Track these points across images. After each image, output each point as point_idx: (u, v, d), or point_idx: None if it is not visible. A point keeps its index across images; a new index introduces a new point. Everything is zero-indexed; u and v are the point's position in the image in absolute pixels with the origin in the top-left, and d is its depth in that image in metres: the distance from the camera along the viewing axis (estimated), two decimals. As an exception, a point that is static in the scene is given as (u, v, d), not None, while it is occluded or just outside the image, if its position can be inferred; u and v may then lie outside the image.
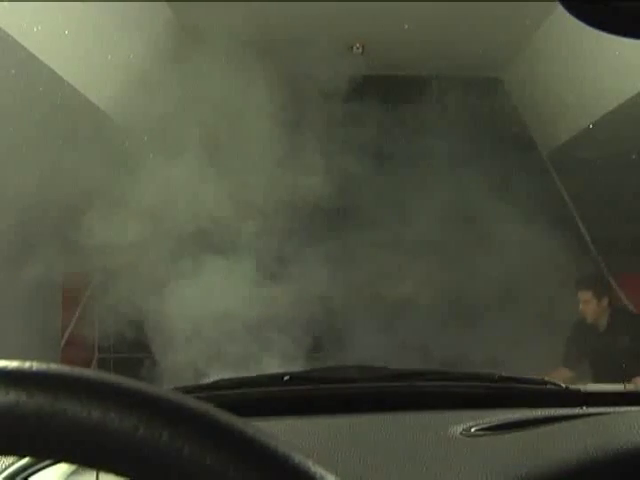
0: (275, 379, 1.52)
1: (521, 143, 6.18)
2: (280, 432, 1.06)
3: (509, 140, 5.95)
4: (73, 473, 0.90)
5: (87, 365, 5.58)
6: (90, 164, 4.27)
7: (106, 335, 5.50)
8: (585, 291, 4.80)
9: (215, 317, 4.58)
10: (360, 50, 5.74)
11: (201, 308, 4.58)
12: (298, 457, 0.43)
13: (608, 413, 1.21)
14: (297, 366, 4.41)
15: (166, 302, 4.62)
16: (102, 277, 4.84)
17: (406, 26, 5.13)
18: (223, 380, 1.47)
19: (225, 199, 4.85)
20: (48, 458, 0.47)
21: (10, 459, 0.86)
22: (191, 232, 4.86)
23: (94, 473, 0.80)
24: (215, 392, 1.42)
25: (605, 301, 4.78)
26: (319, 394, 1.44)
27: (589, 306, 4.77)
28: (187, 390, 1.40)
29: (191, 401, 0.44)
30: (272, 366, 4.47)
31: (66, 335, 5.60)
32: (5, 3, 3.35)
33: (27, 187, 4.23)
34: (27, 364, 0.44)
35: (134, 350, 5.21)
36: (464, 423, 1.11)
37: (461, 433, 1.08)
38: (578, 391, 1.47)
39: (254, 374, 1.68)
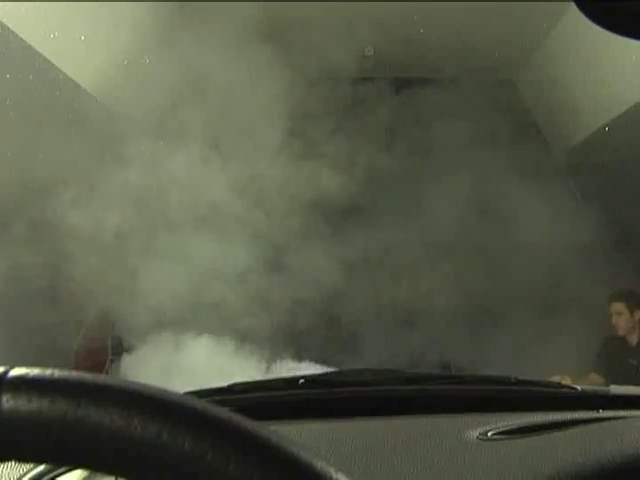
0: (290, 383, 1.52)
1: (534, 145, 6.15)
2: (296, 436, 1.07)
3: (522, 142, 5.92)
4: (89, 478, 0.90)
5: (100, 366, 5.57)
6: (80, 151, 4.20)
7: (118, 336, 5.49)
8: (617, 303, 4.76)
9: (221, 318, 4.56)
10: (372, 53, 5.73)
11: (207, 310, 4.56)
12: (320, 464, 0.43)
13: (625, 417, 1.20)
14: (310, 369, 4.39)
15: (180, 303, 4.59)
16: (114, 278, 4.80)
17: (420, 30, 5.12)
18: (238, 384, 1.47)
19: (225, 189, 4.79)
20: (70, 465, 0.47)
21: (28, 465, 0.86)
22: (193, 226, 4.82)
23: (112, 479, 0.80)
24: (230, 396, 1.42)
25: (638, 314, 4.74)
26: (334, 397, 1.43)
27: (621, 318, 4.73)
28: (203, 394, 1.40)
29: (214, 408, 0.44)
30: (283, 369, 4.45)
31: (79, 337, 5.60)
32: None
33: (12, 172, 4.16)
34: (49, 371, 0.44)
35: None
36: (480, 427, 1.11)
37: (478, 437, 1.07)
38: (594, 394, 1.46)
39: (268, 377, 1.67)
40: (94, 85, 4.53)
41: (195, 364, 4.44)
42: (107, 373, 5.32)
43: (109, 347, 5.89)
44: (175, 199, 4.78)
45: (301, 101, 4.88)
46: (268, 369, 4.41)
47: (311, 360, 4.59)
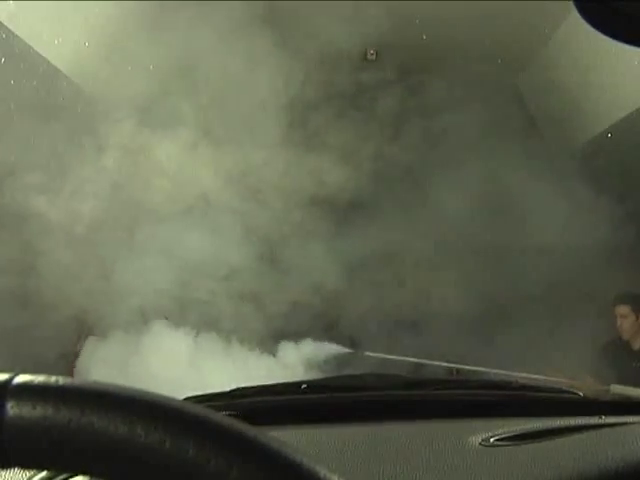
0: (292, 387, 1.52)
1: (539, 146, 6.14)
2: (298, 441, 1.07)
3: (524, 145, 5.92)
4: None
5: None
6: (58, 137, 4.07)
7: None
8: (622, 305, 4.73)
9: (216, 320, 4.51)
10: (374, 56, 5.74)
11: (201, 310, 4.51)
12: (323, 471, 0.43)
13: (627, 423, 1.20)
14: (311, 374, 4.36)
15: (169, 302, 4.51)
16: (93, 275, 4.64)
17: (423, 34, 5.12)
18: (240, 388, 1.47)
19: (215, 180, 4.67)
20: (73, 472, 0.47)
21: (31, 471, 0.86)
22: (181, 219, 4.69)
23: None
24: (232, 401, 1.42)
25: None
26: (336, 402, 1.44)
27: (626, 321, 4.70)
28: (204, 398, 1.40)
29: (217, 415, 0.44)
30: (284, 373, 4.41)
31: (82, 339, 5.55)
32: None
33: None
34: (53, 378, 0.44)
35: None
36: (483, 433, 1.11)
37: (480, 443, 1.07)
38: (596, 399, 1.46)
39: (270, 382, 1.67)
40: (72, 68, 4.40)
41: (188, 367, 4.37)
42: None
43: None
44: (161, 190, 4.62)
45: (300, 90, 4.76)
46: (268, 373, 4.38)
47: (313, 364, 4.57)
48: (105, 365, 4.49)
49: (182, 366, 4.31)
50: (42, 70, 4.16)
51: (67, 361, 5.05)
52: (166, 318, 4.50)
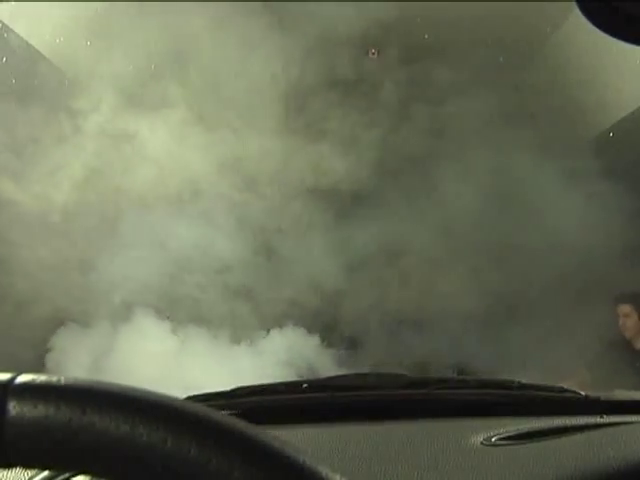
0: (293, 387, 1.52)
1: (540, 146, 6.13)
2: (299, 440, 1.07)
3: (525, 142, 5.90)
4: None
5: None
6: (37, 121, 4.01)
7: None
8: (625, 305, 4.73)
9: (215, 318, 4.47)
10: (376, 55, 5.74)
11: (200, 309, 4.47)
12: (325, 471, 0.43)
13: (629, 422, 1.20)
14: (310, 373, 4.34)
15: (162, 299, 4.45)
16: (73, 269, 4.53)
17: (424, 34, 5.11)
18: (241, 388, 1.46)
19: (206, 169, 4.56)
20: (74, 471, 0.47)
21: (33, 470, 0.86)
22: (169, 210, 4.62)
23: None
24: (233, 400, 1.42)
25: None
26: (337, 402, 1.43)
27: (629, 320, 4.69)
28: (205, 398, 1.40)
29: (218, 414, 0.44)
30: (285, 372, 4.39)
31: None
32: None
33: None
34: (55, 378, 0.44)
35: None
36: (485, 432, 1.11)
37: (482, 442, 1.07)
38: (598, 399, 1.46)
39: (272, 381, 1.67)
40: (55, 51, 4.32)
41: (181, 364, 4.31)
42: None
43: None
44: (152, 178, 4.50)
45: (299, 79, 4.68)
46: (269, 372, 4.36)
47: (315, 363, 4.55)
48: (82, 359, 4.43)
49: (174, 364, 4.28)
50: (22, 53, 4.10)
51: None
52: (167, 317, 4.47)
